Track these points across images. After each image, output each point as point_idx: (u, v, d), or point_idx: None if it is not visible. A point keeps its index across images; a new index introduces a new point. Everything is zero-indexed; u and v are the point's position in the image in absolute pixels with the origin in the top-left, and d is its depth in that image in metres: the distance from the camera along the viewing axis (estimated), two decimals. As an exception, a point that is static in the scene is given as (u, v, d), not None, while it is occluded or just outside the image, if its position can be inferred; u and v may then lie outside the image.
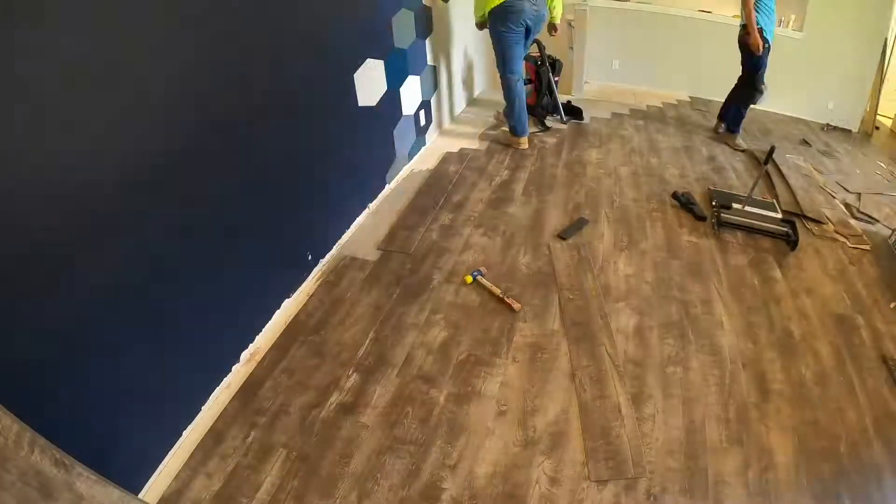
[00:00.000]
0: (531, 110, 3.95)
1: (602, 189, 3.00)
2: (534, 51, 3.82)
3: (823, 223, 2.75)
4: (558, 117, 4.00)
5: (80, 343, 1.16)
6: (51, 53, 1.02)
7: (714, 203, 2.71)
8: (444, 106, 3.76)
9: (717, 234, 2.56)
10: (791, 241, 2.49)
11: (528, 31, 3.16)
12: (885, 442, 1.56)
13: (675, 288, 2.18)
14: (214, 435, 1.54)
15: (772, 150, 2.63)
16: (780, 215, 2.66)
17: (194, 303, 1.53)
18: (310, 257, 2.19)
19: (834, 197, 3.10)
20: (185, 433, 1.53)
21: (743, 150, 3.68)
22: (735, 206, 2.67)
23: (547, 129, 3.86)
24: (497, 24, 3.07)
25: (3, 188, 0.97)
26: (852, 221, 2.82)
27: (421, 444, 1.51)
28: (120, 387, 1.28)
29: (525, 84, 3.88)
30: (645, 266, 2.31)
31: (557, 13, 3.34)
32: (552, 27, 3.42)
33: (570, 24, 4.48)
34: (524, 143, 3.53)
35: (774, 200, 2.90)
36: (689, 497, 1.39)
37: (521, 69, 3.32)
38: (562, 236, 2.49)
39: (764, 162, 2.71)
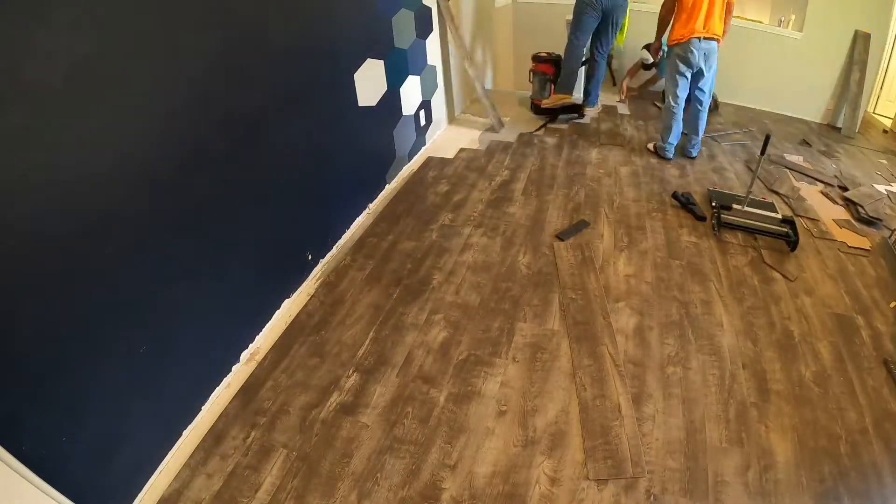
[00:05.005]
0: (543, 110, 4.02)
1: (602, 189, 3.01)
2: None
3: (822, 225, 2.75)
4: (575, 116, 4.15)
5: (81, 343, 1.16)
6: (56, 53, 1.02)
7: (714, 204, 2.71)
8: (444, 106, 3.76)
9: (716, 235, 2.56)
10: (791, 241, 2.49)
11: (605, 16, 3.60)
12: (885, 442, 1.56)
13: (675, 288, 2.18)
14: (214, 435, 1.54)
15: (767, 138, 2.61)
16: (779, 216, 2.66)
17: (195, 303, 1.53)
18: (310, 257, 2.19)
19: (836, 197, 3.10)
20: (185, 433, 1.53)
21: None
22: (735, 206, 2.67)
23: (579, 116, 4.11)
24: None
25: (2, 188, 0.97)
26: (855, 223, 2.82)
27: (421, 444, 1.51)
28: (120, 387, 1.28)
29: (544, 82, 4.02)
30: (645, 266, 2.31)
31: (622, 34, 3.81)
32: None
33: (570, 24, 4.48)
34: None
35: (773, 201, 2.90)
36: (689, 497, 1.39)
37: (586, 41, 3.75)
38: (560, 237, 2.49)
39: (761, 152, 2.70)
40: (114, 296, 1.24)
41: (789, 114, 4.72)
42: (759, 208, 2.72)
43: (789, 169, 3.47)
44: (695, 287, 2.19)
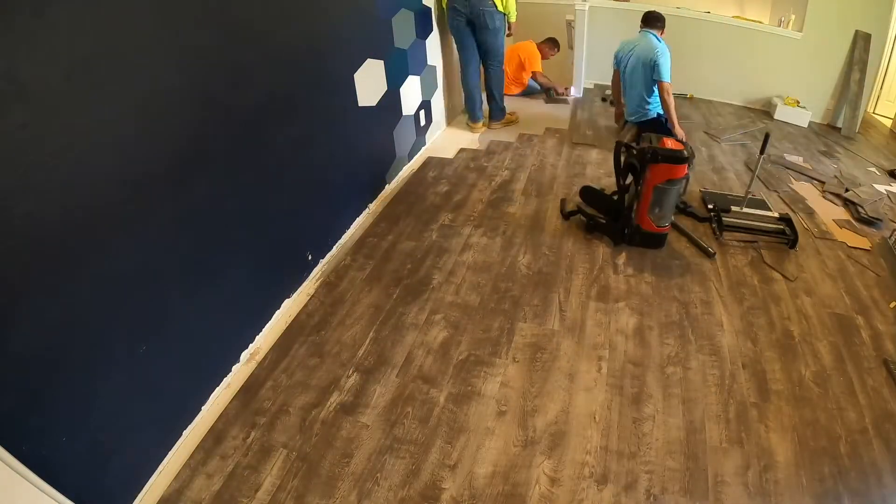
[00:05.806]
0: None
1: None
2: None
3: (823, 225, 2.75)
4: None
5: (81, 343, 1.16)
6: (56, 53, 1.02)
7: (713, 207, 2.71)
8: (443, 106, 3.76)
9: (718, 238, 2.55)
10: (790, 239, 2.49)
11: (474, 26, 3.37)
12: (885, 442, 1.56)
13: (674, 288, 2.18)
14: (215, 435, 1.54)
15: (766, 137, 2.61)
16: (776, 213, 2.66)
17: (195, 303, 1.53)
18: (310, 257, 2.19)
19: (836, 197, 3.10)
20: (185, 433, 1.53)
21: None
22: (734, 208, 2.66)
23: None
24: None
25: (2, 188, 0.97)
26: (855, 223, 2.82)
27: (421, 444, 1.51)
28: (120, 387, 1.28)
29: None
30: (645, 266, 2.31)
31: (511, 11, 3.45)
32: (508, 26, 3.55)
33: (569, 24, 4.49)
34: (478, 127, 3.87)
35: (764, 198, 2.90)
36: (689, 497, 1.39)
37: (466, 57, 3.55)
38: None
39: (760, 151, 2.70)
40: (114, 296, 1.24)
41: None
42: (755, 207, 2.72)
43: (789, 169, 3.47)
44: (695, 287, 2.19)
